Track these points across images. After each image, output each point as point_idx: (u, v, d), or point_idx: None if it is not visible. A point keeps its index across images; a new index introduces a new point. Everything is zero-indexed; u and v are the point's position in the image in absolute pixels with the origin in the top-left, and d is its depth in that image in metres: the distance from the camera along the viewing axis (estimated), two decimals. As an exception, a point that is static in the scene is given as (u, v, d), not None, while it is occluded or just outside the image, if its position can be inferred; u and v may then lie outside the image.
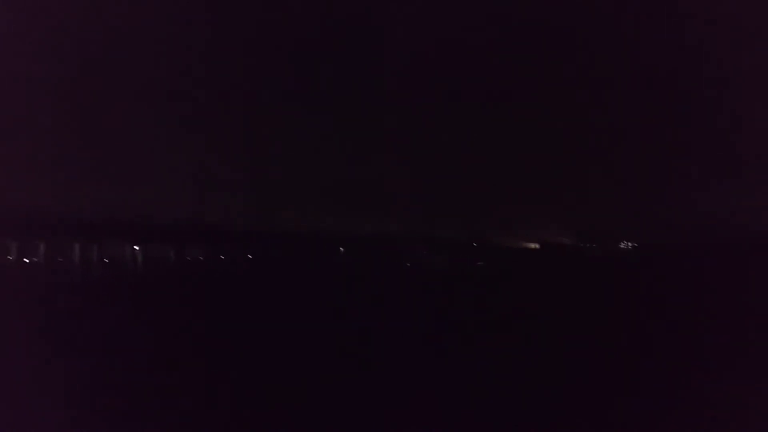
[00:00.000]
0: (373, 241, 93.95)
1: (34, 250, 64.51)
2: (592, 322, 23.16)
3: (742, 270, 57.73)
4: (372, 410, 11.05)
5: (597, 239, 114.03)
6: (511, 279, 55.23)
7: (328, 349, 18.24)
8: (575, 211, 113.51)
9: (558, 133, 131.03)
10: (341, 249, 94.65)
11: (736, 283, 44.01)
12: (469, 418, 10.91)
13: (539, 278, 54.38)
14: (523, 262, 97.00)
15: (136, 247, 72.87)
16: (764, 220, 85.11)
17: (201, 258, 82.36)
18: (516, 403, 11.59)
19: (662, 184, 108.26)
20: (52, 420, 10.39)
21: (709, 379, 13.14)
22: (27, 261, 64.42)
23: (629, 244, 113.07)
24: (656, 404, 11.52)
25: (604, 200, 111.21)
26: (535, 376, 13.75)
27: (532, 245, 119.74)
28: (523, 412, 11.23)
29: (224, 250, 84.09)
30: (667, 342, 18.72)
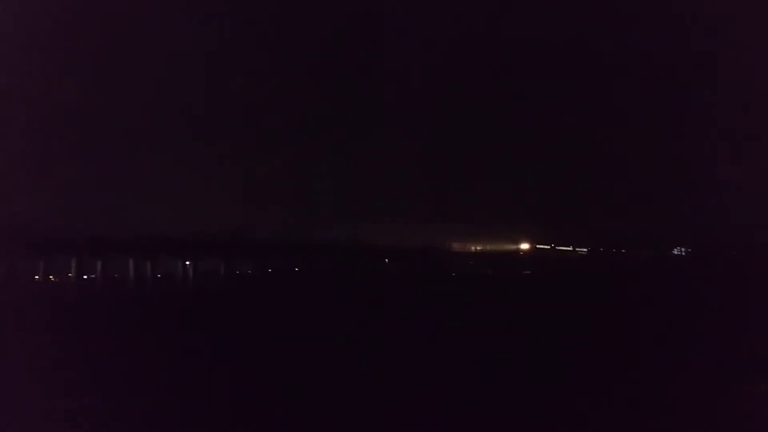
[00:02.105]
0: (417, 252, 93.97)
1: (92, 267, 67.21)
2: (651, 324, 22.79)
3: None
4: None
5: (650, 245, 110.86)
6: (558, 283, 54.46)
7: (377, 355, 18.57)
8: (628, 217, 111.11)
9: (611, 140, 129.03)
10: (386, 260, 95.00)
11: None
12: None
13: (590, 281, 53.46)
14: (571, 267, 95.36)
15: (188, 262, 74.99)
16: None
17: (249, 271, 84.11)
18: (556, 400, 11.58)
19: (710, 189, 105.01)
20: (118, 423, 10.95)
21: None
22: (86, 277, 67.12)
23: (682, 249, 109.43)
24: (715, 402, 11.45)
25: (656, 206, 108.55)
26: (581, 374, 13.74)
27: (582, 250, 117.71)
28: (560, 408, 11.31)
29: (271, 263, 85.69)
30: (724, 342, 18.40)
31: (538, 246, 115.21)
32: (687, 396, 12.01)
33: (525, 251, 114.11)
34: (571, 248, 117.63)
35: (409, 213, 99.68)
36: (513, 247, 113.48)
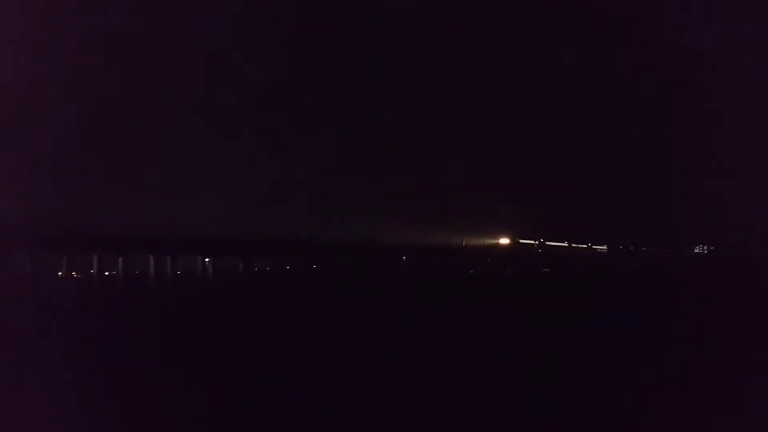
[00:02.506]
0: (434, 250, 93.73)
1: (113, 264, 68.14)
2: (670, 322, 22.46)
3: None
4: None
5: (672, 244, 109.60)
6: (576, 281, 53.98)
7: (398, 351, 18.52)
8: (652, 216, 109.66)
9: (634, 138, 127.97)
10: (403, 258, 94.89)
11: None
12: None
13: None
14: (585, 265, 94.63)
15: (207, 260, 75.66)
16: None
17: (268, 268, 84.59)
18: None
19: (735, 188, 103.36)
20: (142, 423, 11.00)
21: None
22: (107, 274, 67.98)
23: (704, 247, 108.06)
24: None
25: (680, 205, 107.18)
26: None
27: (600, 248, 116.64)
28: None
29: (289, 260, 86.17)
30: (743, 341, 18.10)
31: (550, 243, 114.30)
32: (709, 396, 11.77)
33: (539, 248, 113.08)
34: (588, 246, 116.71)
35: (423, 211, 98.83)
36: (529, 243, 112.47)
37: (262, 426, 10.96)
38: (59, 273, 64.55)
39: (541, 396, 12.38)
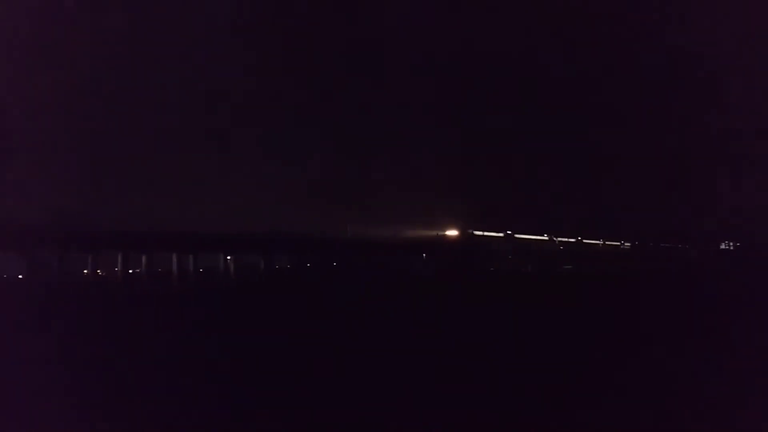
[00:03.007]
0: (453, 248, 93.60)
1: (138, 261, 69.27)
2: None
3: None
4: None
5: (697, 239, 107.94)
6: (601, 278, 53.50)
7: (420, 345, 18.57)
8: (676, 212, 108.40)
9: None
10: (423, 255, 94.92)
11: None
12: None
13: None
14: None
15: (229, 257, 76.46)
16: None
17: (288, 266, 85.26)
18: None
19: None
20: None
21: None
22: (130, 272, 69.11)
23: (730, 243, 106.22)
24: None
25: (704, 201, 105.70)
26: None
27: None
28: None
29: (309, 257, 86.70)
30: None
31: (579, 240, 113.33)
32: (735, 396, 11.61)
33: (562, 244, 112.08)
34: (619, 243, 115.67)
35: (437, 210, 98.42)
36: (547, 238, 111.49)
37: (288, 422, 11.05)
38: (85, 271, 65.75)
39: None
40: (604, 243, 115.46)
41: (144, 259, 68.94)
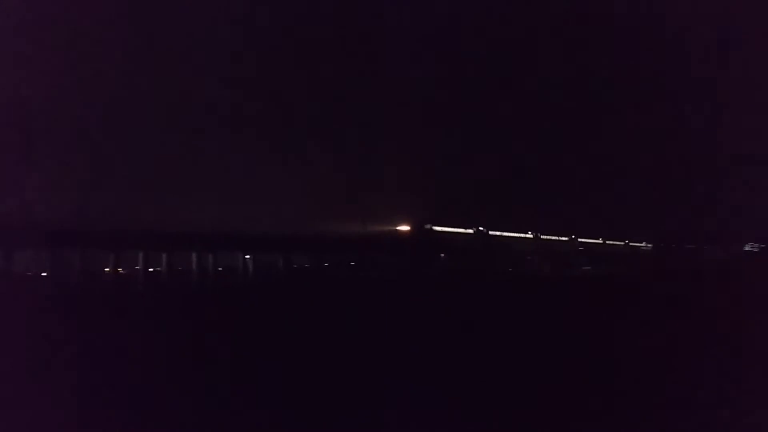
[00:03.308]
0: (467, 247, 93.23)
1: (158, 260, 69.93)
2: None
3: None
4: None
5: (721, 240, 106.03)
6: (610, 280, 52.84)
7: (434, 344, 18.45)
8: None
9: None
10: (442, 255, 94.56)
11: None
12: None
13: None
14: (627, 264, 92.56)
15: (247, 256, 76.92)
16: None
17: (306, 265, 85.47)
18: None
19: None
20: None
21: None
22: (151, 270, 69.85)
23: (755, 245, 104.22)
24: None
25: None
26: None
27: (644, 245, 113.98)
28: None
29: (327, 256, 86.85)
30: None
31: (599, 240, 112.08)
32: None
33: (582, 245, 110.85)
34: (643, 244, 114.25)
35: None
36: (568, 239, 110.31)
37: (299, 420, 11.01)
38: (106, 269, 66.57)
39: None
40: (627, 244, 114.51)
41: (164, 257, 69.73)
